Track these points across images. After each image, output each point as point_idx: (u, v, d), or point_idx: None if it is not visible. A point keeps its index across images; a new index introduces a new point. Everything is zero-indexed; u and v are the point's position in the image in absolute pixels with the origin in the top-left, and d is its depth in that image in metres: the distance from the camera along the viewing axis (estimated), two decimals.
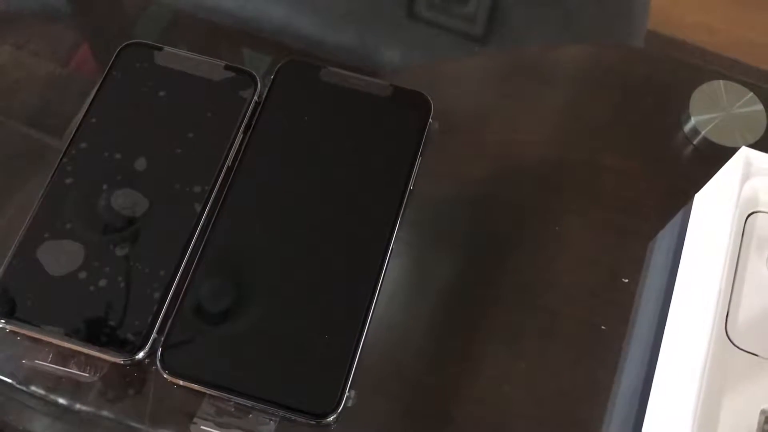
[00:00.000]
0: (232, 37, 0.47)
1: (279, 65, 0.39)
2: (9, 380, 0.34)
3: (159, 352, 0.33)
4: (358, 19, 0.47)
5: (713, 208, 0.33)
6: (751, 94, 0.39)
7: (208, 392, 0.33)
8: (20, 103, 0.41)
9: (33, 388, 0.34)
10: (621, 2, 0.51)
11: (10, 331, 0.33)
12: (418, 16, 0.47)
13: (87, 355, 0.33)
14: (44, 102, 0.41)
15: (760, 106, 0.39)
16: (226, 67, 0.39)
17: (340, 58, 0.46)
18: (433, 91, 0.39)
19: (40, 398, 0.34)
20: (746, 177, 0.32)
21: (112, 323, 0.33)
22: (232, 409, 0.33)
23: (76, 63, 0.43)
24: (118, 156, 0.36)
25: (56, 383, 0.34)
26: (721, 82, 0.40)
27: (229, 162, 0.37)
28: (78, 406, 0.33)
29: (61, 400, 0.34)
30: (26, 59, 0.43)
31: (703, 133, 0.39)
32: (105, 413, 0.33)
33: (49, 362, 0.33)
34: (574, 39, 0.47)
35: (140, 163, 0.36)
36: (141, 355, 0.33)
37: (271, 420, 0.33)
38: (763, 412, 0.29)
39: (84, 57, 0.44)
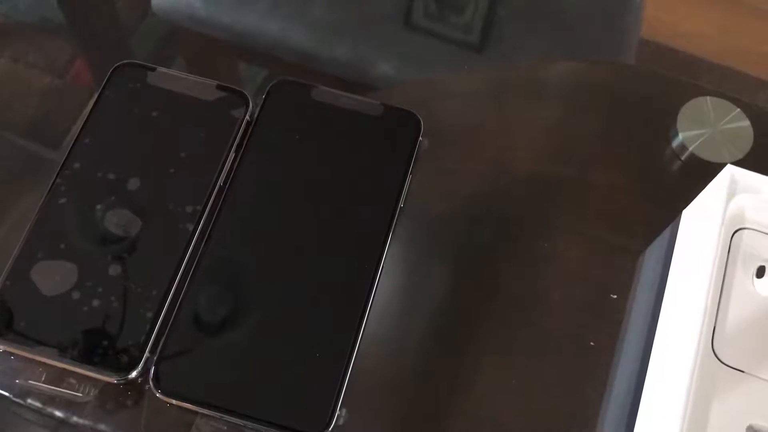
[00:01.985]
0: (228, 51, 0.48)
1: (270, 85, 0.39)
2: (6, 393, 0.34)
3: (152, 372, 0.33)
4: (353, 32, 0.47)
5: (700, 225, 0.34)
6: (738, 110, 0.40)
7: (200, 411, 0.33)
8: (17, 115, 0.41)
9: (29, 401, 0.34)
10: (613, 16, 0.51)
11: (3, 351, 0.34)
12: (414, 25, 0.48)
13: (81, 374, 0.34)
14: (41, 114, 0.42)
15: (746, 122, 0.40)
16: (218, 87, 0.39)
17: (335, 72, 0.47)
18: (426, 106, 0.39)
19: (36, 411, 0.34)
20: (732, 194, 0.32)
21: (105, 343, 0.33)
22: (225, 428, 0.33)
23: (73, 75, 0.44)
24: (111, 176, 0.37)
25: (52, 397, 0.34)
26: (708, 98, 0.40)
27: (221, 182, 0.37)
28: (75, 419, 0.34)
29: (58, 414, 0.34)
30: (23, 72, 0.43)
31: (690, 149, 0.39)
32: (101, 427, 0.34)
33: (43, 381, 0.34)
34: (568, 51, 0.48)
35: (133, 183, 0.37)
36: (134, 374, 0.33)
37: None
38: (749, 428, 0.29)
39: (80, 70, 0.44)
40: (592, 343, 0.36)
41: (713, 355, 0.30)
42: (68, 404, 0.34)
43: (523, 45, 0.48)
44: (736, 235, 0.33)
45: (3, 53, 0.43)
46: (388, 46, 0.47)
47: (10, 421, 0.35)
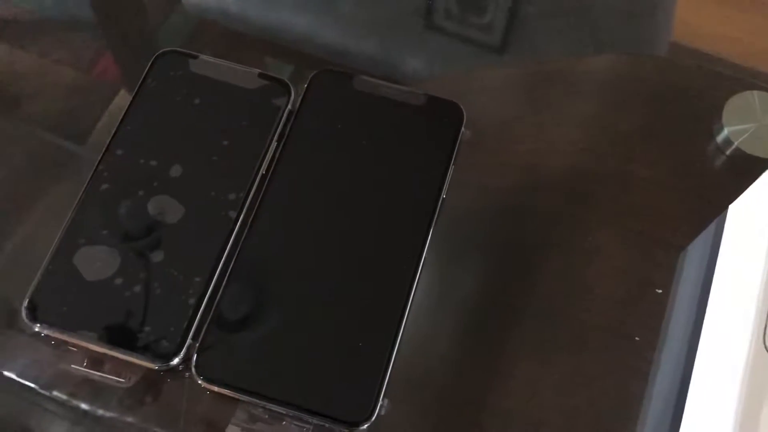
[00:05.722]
0: (255, 46, 0.47)
1: (312, 74, 0.39)
2: (33, 385, 0.34)
3: (194, 359, 0.33)
4: (381, 28, 0.47)
5: (749, 219, 0.33)
6: None
7: (242, 398, 0.33)
8: (44, 110, 0.41)
9: (55, 393, 0.34)
10: (645, 12, 0.51)
11: (45, 335, 0.34)
12: (436, 26, 0.48)
13: (121, 361, 0.33)
14: (67, 109, 0.42)
15: None
16: (261, 76, 0.39)
17: (362, 67, 0.46)
18: (458, 100, 0.39)
19: (61, 404, 0.34)
20: None
21: (147, 329, 0.33)
22: (266, 416, 0.33)
23: (99, 71, 0.44)
24: (153, 163, 0.37)
25: (79, 388, 0.34)
26: (755, 92, 0.40)
27: (263, 170, 0.37)
28: (100, 412, 0.34)
29: (83, 406, 0.34)
30: (50, 67, 0.43)
31: (736, 143, 0.39)
32: (128, 419, 0.33)
33: (84, 367, 0.34)
34: (596, 50, 0.47)
35: (175, 170, 0.37)
36: (176, 361, 0.33)
37: (304, 427, 0.33)
38: None
39: (107, 65, 0.44)
40: (636, 338, 0.35)
41: (765, 351, 0.30)
42: (94, 397, 0.34)
43: (547, 45, 0.48)
44: None
45: (30, 49, 0.43)
46: (416, 43, 0.47)
47: (33, 414, 0.35)
